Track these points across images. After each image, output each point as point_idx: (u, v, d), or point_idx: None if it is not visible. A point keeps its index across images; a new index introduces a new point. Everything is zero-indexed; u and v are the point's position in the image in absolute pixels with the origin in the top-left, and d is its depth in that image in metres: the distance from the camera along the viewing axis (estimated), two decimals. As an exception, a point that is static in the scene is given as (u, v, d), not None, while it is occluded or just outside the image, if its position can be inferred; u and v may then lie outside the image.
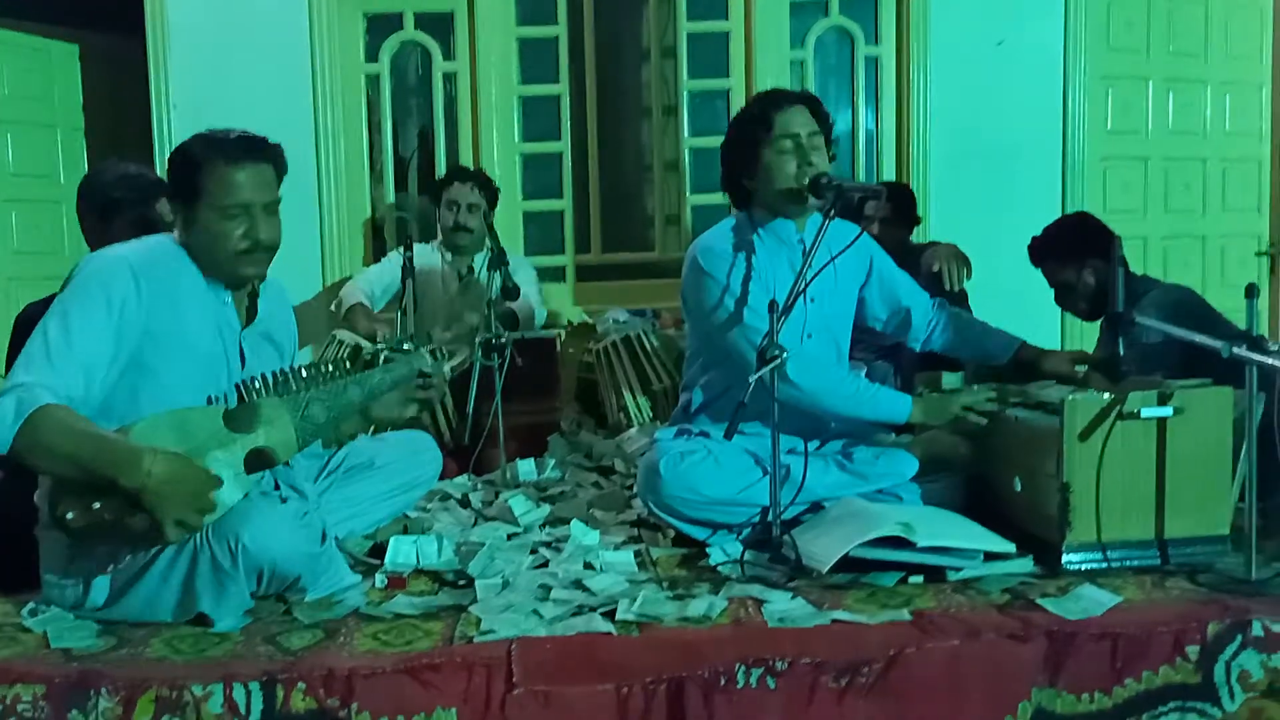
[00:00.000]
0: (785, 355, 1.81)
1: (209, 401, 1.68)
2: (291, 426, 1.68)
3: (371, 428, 2.03)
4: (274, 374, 1.70)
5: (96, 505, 1.49)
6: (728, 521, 1.98)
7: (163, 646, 1.54)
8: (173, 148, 1.78)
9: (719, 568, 1.85)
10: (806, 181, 2.04)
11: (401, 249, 2.93)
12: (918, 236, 3.35)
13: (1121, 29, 3.93)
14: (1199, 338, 1.72)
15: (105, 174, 2.19)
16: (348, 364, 1.85)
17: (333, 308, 3.34)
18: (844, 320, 2.23)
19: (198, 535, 1.58)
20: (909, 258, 3.03)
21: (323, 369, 1.75)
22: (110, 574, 1.63)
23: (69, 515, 1.50)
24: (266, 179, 1.71)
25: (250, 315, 1.80)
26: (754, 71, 3.72)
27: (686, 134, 3.83)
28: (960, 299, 2.99)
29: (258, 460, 1.64)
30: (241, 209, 1.67)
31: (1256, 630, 1.52)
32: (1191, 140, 4.10)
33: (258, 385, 1.67)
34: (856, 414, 2.06)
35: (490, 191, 3.34)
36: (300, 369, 1.73)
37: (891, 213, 3.14)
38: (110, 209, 2.10)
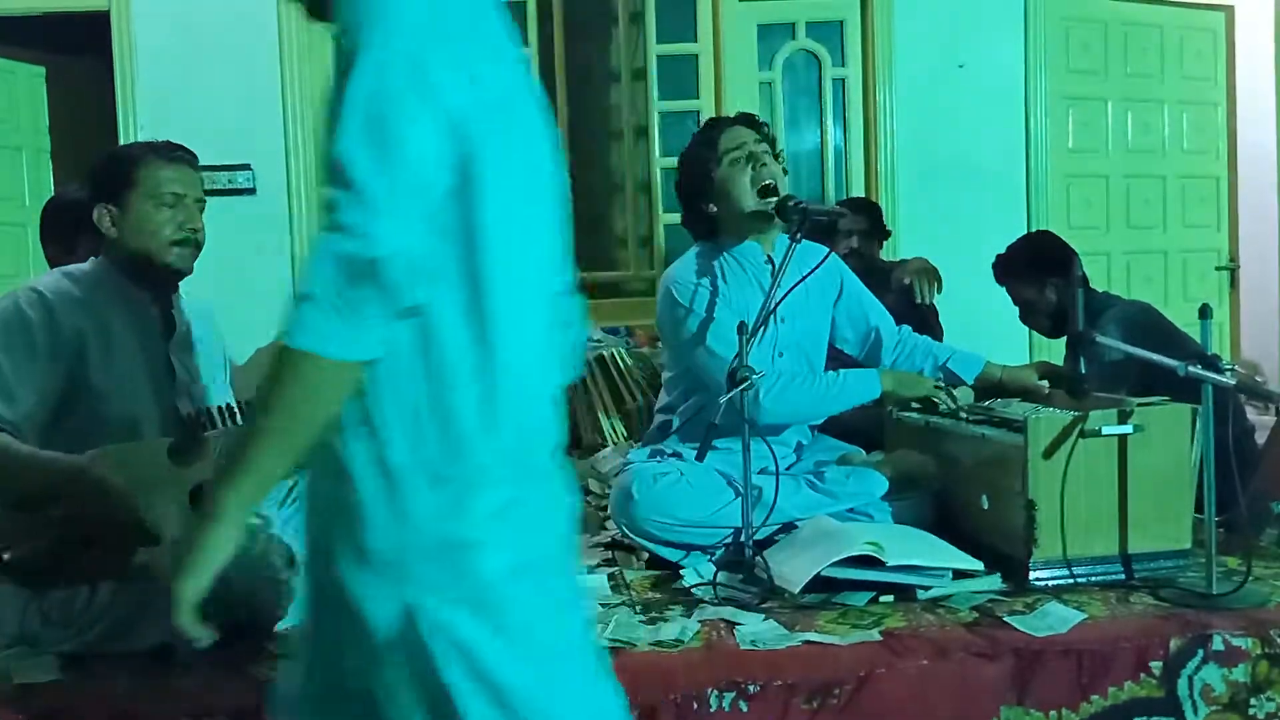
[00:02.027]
0: (756, 378, 1.83)
1: (144, 428, 1.67)
2: None
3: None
4: (219, 408, 1.70)
5: (36, 545, 1.48)
6: (701, 543, 1.99)
7: (129, 680, 1.52)
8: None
9: (692, 590, 1.86)
10: (765, 194, 2.08)
11: None
12: (887, 253, 3.39)
13: (1080, 51, 4.02)
14: (1155, 357, 1.76)
15: (68, 196, 2.17)
16: None
17: None
18: (817, 340, 2.26)
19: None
20: (879, 274, 3.07)
21: None
22: (67, 613, 1.60)
23: (5, 557, 1.48)
24: (193, 179, 1.80)
25: (171, 327, 1.80)
26: (723, 93, 3.77)
27: (658, 154, 3.87)
28: (930, 313, 3.03)
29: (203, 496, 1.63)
30: (175, 198, 1.74)
31: (1217, 644, 1.55)
32: (1151, 158, 4.20)
33: (203, 419, 1.67)
34: (834, 409, 2.13)
35: None
36: (249, 401, 1.72)
37: (868, 226, 3.19)
38: (73, 233, 2.08)
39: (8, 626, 1.62)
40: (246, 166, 3.54)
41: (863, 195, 3.76)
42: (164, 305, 1.81)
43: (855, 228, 3.13)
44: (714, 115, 3.68)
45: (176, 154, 1.78)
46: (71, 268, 1.76)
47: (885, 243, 3.36)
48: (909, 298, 2.97)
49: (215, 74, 3.52)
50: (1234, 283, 4.33)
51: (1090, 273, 2.48)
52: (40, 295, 1.65)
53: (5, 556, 1.48)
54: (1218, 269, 4.32)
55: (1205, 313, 1.71)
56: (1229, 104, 4.28)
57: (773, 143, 2.18)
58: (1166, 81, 4.19)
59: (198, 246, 1.78)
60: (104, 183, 1.75)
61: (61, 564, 1.50)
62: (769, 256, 2.15)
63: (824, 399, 2.10)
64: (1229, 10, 4.26)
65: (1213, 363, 1.66)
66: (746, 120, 2.20)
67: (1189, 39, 4.22)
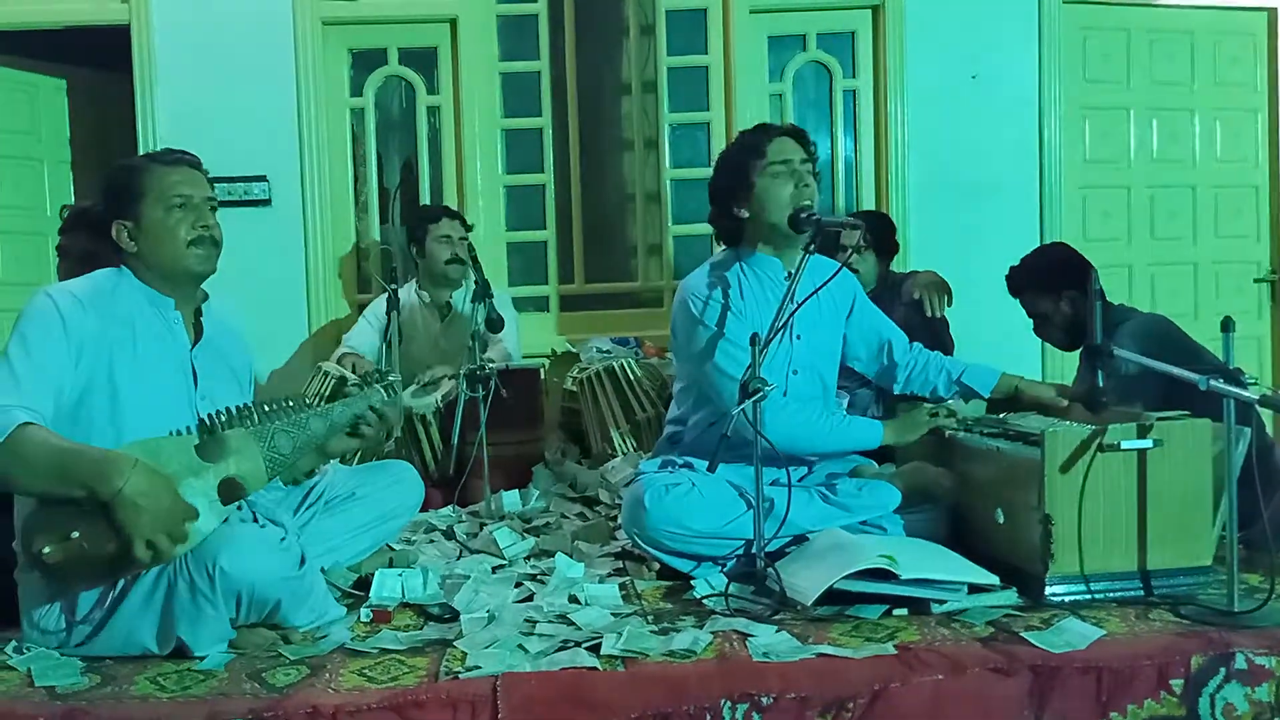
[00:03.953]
0: (769, 389, 1.82)
1: (173, 434, 1.68)
2: (260, 456, 1.70)
3: (324, 462, 2.03)
4: (237, 407, 1.73)
5: (74, 534, 1.49)
6: (712, 554, 1.98)
7: (147, 684, 1.53)
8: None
9: (704, 601, 1.85)
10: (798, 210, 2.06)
11: (387, 296, 2.94)
12: (897, 265, 3.38)
13: (1098, 60, 3.98)
14: (1177, 370, 1.74)
15: (84, 213, 2.18)
16: (320, 398, 1.88)
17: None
18: (830, 356, 2.25)
19: (176, 560, 1.57)
20: (890, 287, 3.06)
21: (284, 402, 1.79)
22: (91, 609, 1.62)
23: (46, 550, 1.49)
24: (198, 179, 1.83)
25: (198, 333, 1.83)
26: (734, 104, 3.77)
27: (668, 166, 3.87)
28: (941, 326, 3.01)
29: (229, 491, 1.65)
30: (185, 199, 1.78)
31: (1240, 663, 1.52)
32: (1178, 168, 4.07)
33: (222, 418, 1.69)
34: (832, 449, 2.10)
35: (467, 227, 3.40)
36: (262, 403, 1.77)
37: (875, 240, 3.17)
38: (90, 247, 2.08)
39: (35, 625, 1.64)
40: (262, 178, 3.57)
41: (873, 208, 3.75)
42: (191, 313, 1.83)
43: (858, 244, 3.10)
44: (725, 127, 3.71)
45: (177, 157, 1.81)
46: (100, 273, 1.79)
47: (896, 255, 3.35)
48: (919, 311, 2.95)
49: (233, 87, 3.56)
50: (1275, 295, 4.21)
51: (1109, 286, 2.45)
52: (72, 295, 1.69)
53: (46, 550, 1.49)
54: (1256, 281, 4.18)
55: (1227, 325, 1.69)
56: (1270, 110, 4.11)
57: (815, 162, 2.16)
58: (1197, 89, 4.08)
59: (216, 245, 1.80)
60: (115, 198, 1.78)
61: (91, 560, 1.52)
62: (790, 273, 2.13)
63: (824, 438, 2.07)
64: (1272, 12, 4.08)
65: (1235, 377, 1.64)
66: (796, 134, 2.16)
67: (1224, 44, 4.08)
